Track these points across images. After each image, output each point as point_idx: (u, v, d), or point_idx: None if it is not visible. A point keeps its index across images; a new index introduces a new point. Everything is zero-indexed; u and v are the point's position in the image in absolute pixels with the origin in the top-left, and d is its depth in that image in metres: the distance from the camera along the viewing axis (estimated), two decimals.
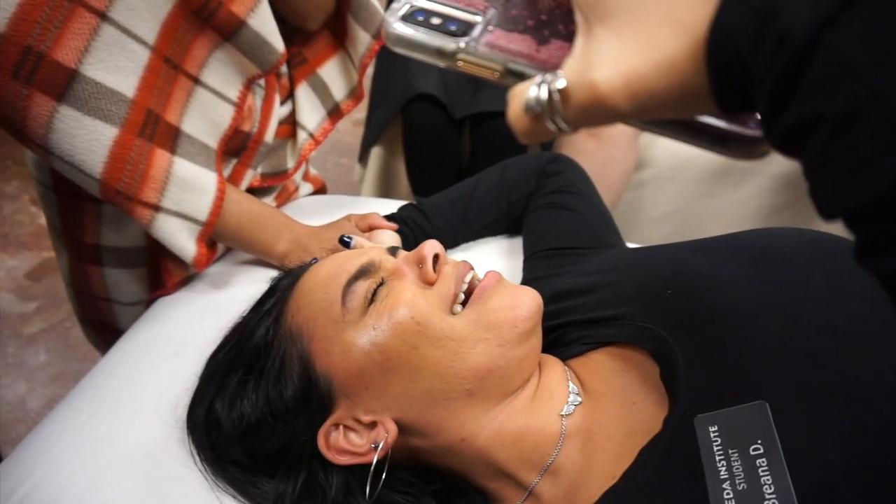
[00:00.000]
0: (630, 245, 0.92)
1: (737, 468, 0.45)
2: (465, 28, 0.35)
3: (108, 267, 0.92)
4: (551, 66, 0.33)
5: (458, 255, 0.97)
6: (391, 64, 1.55)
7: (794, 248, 0.58)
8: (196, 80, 0.81)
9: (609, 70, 0.29)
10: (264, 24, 0.82)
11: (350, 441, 0.57)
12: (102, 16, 0.69)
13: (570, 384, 0.60)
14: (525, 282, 0.83)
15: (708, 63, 0.26)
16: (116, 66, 0.71)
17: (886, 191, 0.21)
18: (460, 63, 0.35)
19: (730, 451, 0.45)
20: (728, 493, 0.44)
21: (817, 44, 0.22)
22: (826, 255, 0.57)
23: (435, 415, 0.56)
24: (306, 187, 1.16)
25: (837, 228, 0.27)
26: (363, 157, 1.63)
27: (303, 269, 0.67)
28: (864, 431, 0.43)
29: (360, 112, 1.67)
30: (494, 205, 0.96)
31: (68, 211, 0.89)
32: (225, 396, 0.61)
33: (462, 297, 0.60)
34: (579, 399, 0.58)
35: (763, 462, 0.44)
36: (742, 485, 0.44)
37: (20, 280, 1.97)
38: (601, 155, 1.38)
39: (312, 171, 1.22)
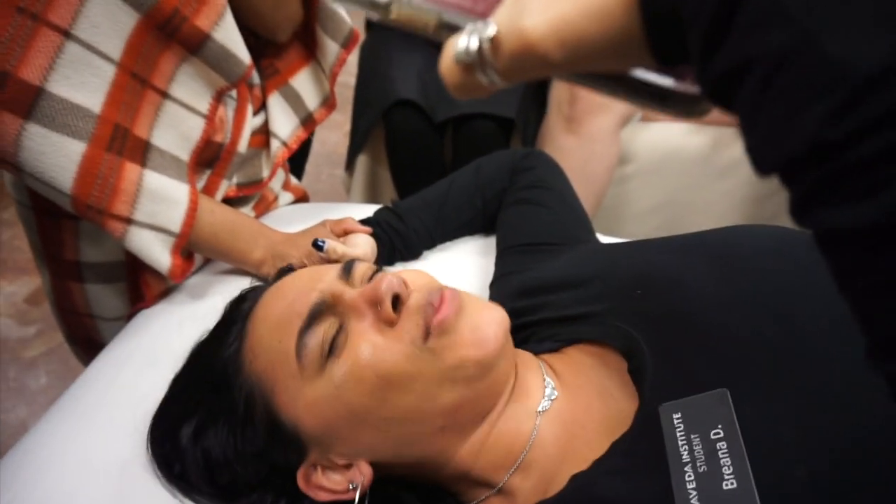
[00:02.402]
0: (610, 239, 0.92)
1: (698, 452, 0.45)
2: None
3: (88, 283, 0.93)
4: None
5: (436, 255, 0.98)
6: (372, 72, 1.56)
7: (759, 244, 0.59)
8: (165, 94, 0.82)
9: (539, 16, 0.27)
10: (229, 36, 0.83)
11: (330, 479, 0.56)
12: (66, 34, 0.70)
13: (546, 378, 0.60)
14: (496, 278, 0.84)
15: (641, 8, 0.25)
16: (82, 82, 0.72)
17: (817, 138, 0.20)
18: (394, 14, 0.34)
19: (692, 436, 0.46)
20: (689, 476, 0.45)
21: None
22: (791, 250, 0.57)
23: (409, 453, 0.56)
24: (286, 196, 1.17)
25: None
26: (349, 166, 1.64)
27: (261, 289, 0.64)
28: (821, 416, 0.44)
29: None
30: (469, 203, 0.97)
31: (47, 229, 0.91)
32: (189, 428, 0.59)
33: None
34: (556, 393, 0.59)
35: (723, 445, 0.45)
36: (703, 467, 0.45)
37: (19, 305, 1.99)
38: (582, 151, 1.38)
39: (294, 182, 1.23)
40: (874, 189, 0.20)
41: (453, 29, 0.32)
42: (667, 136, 1.49)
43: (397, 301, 0.55)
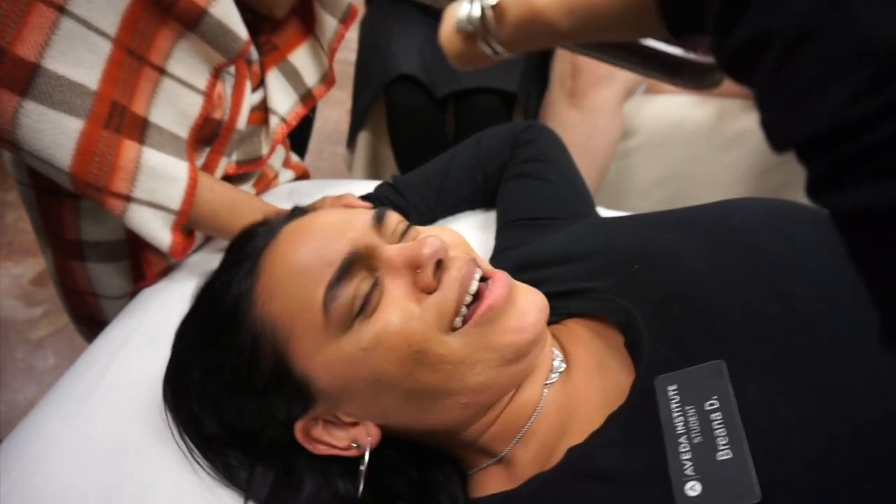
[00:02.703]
0: (613, 213, 0.92)
1: (693, 423, 0.45)
2: None
3: (90, 262, 0.93)
4: None
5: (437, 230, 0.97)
6: (372, 48, 1.55)
7: (754, 219, 0.59)
8: (162, 71, 0.81)
9: None
10: (226, 12, 0.82)
11: (332, 435, 0.55)
12: (61, 9, 0.69)
13: (554, 350, 0.60)
14: (496, 252, 0.84)
15: None
16: (78, 58, 0.72)
17: (840, 117, 0.19)
18: None
19: (687, 408, 0.46)
20: (684, 447, 0.45)
21: None
22: (785, 223, 0.57)
23: (423, 421, 0.55)
24: (287, 174, 1.17)
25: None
26: (351, 143, 1.64)
27: (274, 226, 0.60)
28: (818, 390, 0.43)
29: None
30: (470, 178, 0.96)
31: (48, 208, 0.91)
32: (197, 366, 0.58)
33: (465, 309, 0.53)
34: (563, 365, 0.59)
35: (718, 416, 0.45)
36: (697, 438, 0.45)
37: (25, 287, 2.00)
38: (585, 125, 1.37)
39: (294, 159, 1.23)
40: (893, 171, 0.19)
41: None
42: (671, 108, 1.47)
43: (438, 266, 0.53)
